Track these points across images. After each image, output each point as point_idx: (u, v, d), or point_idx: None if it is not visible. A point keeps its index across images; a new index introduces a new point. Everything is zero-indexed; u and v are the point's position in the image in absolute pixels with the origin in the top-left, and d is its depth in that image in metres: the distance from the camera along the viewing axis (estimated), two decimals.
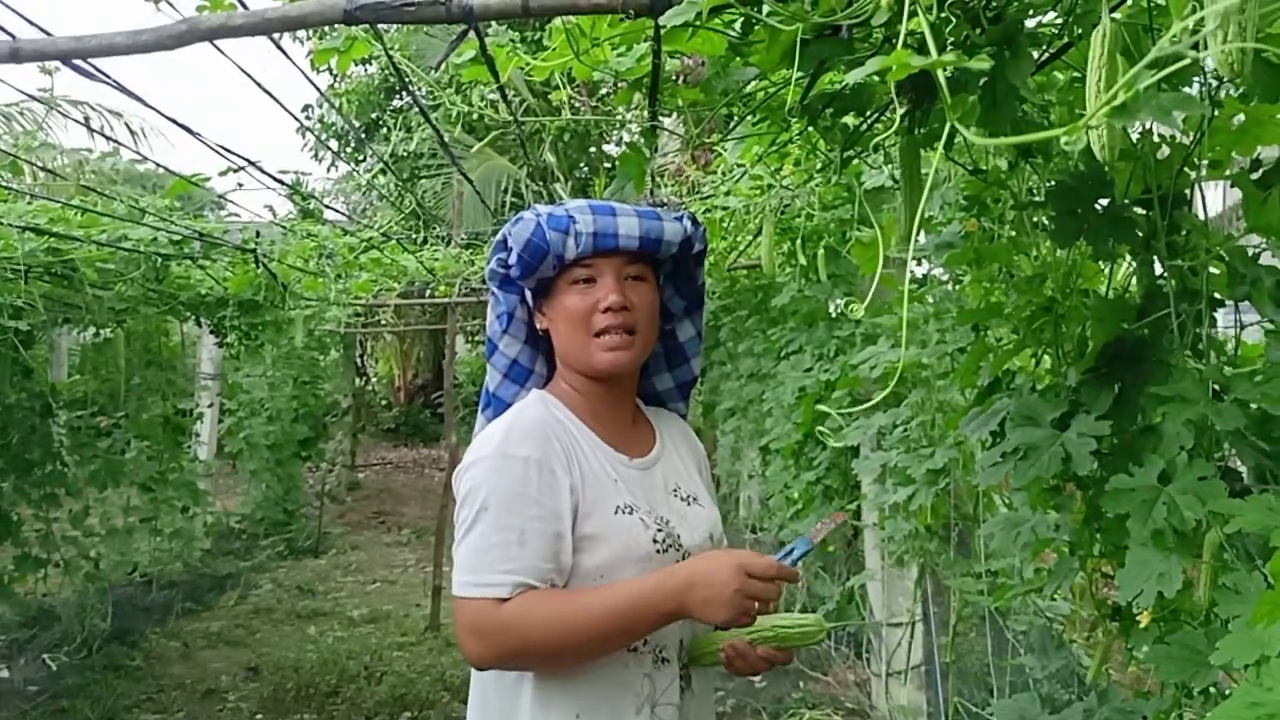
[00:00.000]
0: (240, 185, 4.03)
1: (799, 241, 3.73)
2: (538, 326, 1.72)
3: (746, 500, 7.60)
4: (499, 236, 1.69)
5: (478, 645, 1.52)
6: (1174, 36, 0.81)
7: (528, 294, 1.72)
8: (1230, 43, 0.89)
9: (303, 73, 2.49)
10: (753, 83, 1.79)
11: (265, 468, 8.60)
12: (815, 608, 4.78)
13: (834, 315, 4.10)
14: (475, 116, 2.49)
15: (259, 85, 2.33)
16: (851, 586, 4.10)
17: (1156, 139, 1.49)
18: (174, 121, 2.41)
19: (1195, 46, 0.88)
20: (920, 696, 3.82)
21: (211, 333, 6.05)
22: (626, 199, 1.85)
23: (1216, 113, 1.44)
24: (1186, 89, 1.35)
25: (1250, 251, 1.47)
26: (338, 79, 13.44)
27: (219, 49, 1.67)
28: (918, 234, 1.78)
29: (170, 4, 1.77)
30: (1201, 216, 1.49)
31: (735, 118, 2.04)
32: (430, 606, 6.42)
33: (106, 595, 5.87)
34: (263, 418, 8.41)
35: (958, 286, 2.60)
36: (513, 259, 1.63)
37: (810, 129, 1.85)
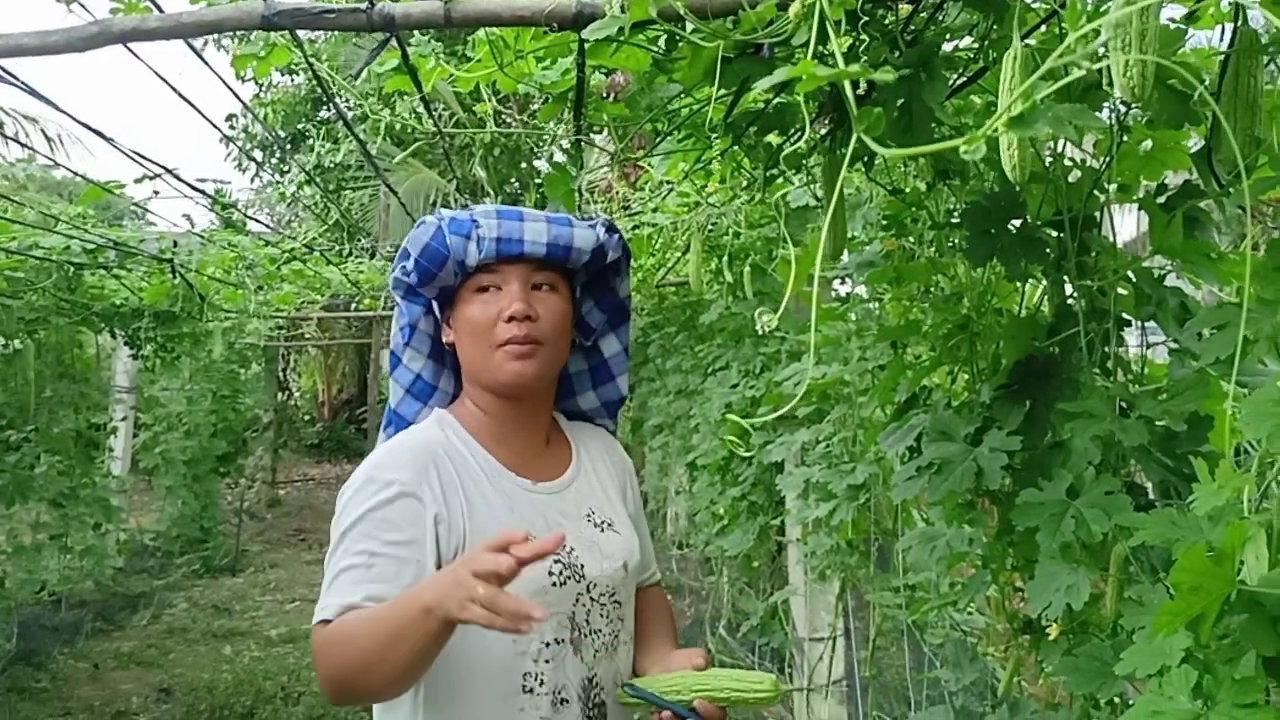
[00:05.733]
0: (156, 193, 3.94)
1: (726, 259, 3.76)
2: (444, 340, 1.64)
3: (674, 516, 7.61)
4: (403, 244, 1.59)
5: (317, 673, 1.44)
6: (1069, 47, 0.83)
7: (434, 306, 1.64)
8: (1130, 56, 0.90)
9: (223, 81, 2.44)
10: (677, 99, 1.80)
11: (182, 484, 8.36)
12: (740, 623, 4.79)
13: (760, 332, 4.12)
14: (402, 128, 2.47)
15: (176, 92, 2.29)
16: (775, 602, 4.12)
17: (1068, 163, 1.53)
18: (88, 126, 2.35)
19: (1096, 64, 0.89)
20: (841, 711, 3.85)
21: (126, 344, 5.90)
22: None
23: (1125, 138, 1.48)
24: (1097, 114, 1.38)
25: (1156, 273, 1.51)
26: (263, 88, 13.24)
27: (133, 52, 1.63)
28: (840, 253, 1.81)
29: (83, 5, 1.73)
30: (1111, 239, 1.53)
31: (661, 134, 2.05)
32: None
33: (12, 615, 5.69)
34: (180, 432, 8.19)
35: (878, 304, 2.64)
36: (411, 264, 1.55)
37: (734, 147, 1.86)
